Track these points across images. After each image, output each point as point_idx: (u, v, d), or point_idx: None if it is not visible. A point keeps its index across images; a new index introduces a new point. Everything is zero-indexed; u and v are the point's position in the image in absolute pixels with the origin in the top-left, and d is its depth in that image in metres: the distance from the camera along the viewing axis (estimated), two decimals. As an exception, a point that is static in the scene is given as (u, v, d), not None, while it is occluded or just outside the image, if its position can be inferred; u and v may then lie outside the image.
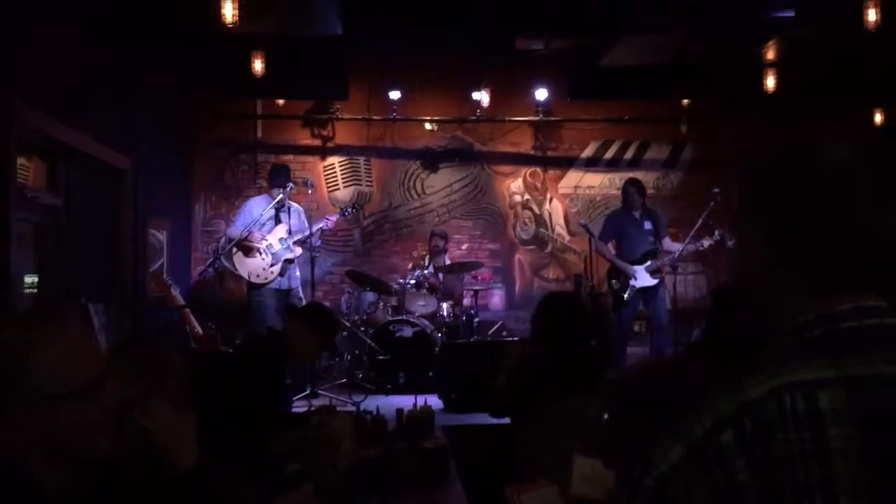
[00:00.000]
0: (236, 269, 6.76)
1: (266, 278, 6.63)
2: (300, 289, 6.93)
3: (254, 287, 6.66)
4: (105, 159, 5.83)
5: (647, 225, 7.18)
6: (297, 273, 6.89)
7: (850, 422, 0.85)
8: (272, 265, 6.64)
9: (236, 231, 6.67)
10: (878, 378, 0.88)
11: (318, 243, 7.35)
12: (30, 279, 5.25)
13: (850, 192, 0.95)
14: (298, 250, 6.79)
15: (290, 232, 6.70)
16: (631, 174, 8.03)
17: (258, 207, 6.71)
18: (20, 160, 4.77)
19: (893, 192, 0.96)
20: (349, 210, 7.57)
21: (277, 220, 6.74)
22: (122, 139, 6.07)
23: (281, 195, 6.66)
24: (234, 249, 6.63)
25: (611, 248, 7.24)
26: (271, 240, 6.67)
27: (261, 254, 6.62)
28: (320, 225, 6.91)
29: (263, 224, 6.64)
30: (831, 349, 0.91)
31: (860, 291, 0.94)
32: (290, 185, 6.75)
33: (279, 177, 6.81)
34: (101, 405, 1.34)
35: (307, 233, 6.80)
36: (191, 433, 1.50)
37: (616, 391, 1.56)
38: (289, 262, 6.70)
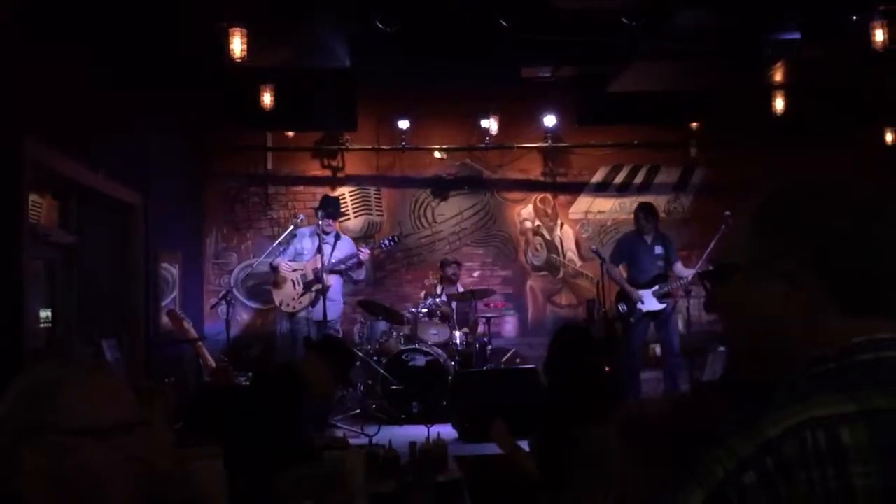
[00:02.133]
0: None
1: (295, 307, 6.93)
2: (338, 321, 7.13)
3: (291, 316, 7.00)
4: (117, 196, 5.88)
5: (658, 249, 7.12)
6: (341, 305, 7.19)
7: (872, 457, 0.83)
8: (302, 294, 6.89)
9: (279, 259, 7.10)
10: None
11: (363, 276, 7.43)
12: (45, 314, 5.27)
13: (882, 216, 0.95)
14: (331, 280, 6.86)
15: (325, 263, 6.79)
16: (641, 198, 8.00)
17: (305, 238, 7.10)
18: (32, 198, 4.80)
19: None
20: (386, 242, 7.57)
21: (320, 251, 6.87)
22: (133, 175, 6.11)
23: (327, 224, 6.95)
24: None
25: (622, 271, 7.20)
26: (307, 270, 6.90)
27: (294, 284, 6.92)
28: (353, 258, 7.04)
29: (304, 254, 7.00)
30: (848, 383, 0.89)
31: (883, 319, 0.93)
32: (320, 212, 6.95)
33: (326, 207, 7.05)
34: (123, 453, 1.28)
35: (343, 264, 7.00)
36: (220, 478, 1.46)
37: (632, 429, 1.54)
38: (320, 292, 6.77)
